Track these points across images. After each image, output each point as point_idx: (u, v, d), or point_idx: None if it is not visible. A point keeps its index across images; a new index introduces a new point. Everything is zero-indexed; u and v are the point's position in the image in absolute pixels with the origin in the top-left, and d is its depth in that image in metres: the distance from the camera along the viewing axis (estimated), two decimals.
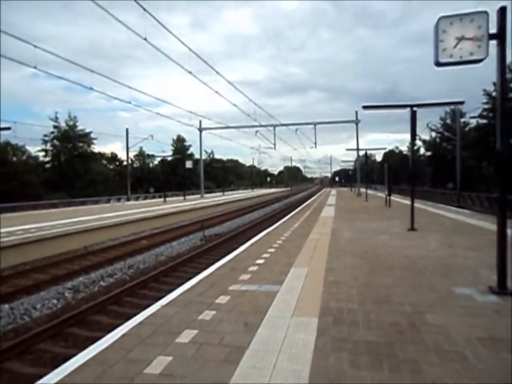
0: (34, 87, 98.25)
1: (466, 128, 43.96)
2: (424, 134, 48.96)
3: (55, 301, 7.00)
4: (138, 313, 4.04)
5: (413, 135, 9.98)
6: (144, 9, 13.13)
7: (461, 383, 2.46)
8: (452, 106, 38.38)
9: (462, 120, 41.83)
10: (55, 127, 48.84)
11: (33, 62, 14.83)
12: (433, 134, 49.42)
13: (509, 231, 4.59)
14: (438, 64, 4.47)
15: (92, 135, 51.19)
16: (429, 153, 51.66)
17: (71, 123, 50.12)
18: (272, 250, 7.30)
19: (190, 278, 5.50)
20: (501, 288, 4.32)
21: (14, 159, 47.32)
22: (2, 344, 5.14)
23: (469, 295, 4.30)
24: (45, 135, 48.14)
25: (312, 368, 2.67)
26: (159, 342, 3.16)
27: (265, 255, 6.78)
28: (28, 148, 49.83)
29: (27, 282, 8.11)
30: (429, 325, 3.44)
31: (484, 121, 38.22)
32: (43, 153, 49.76)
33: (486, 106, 36.70)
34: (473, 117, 40.64)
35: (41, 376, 2.78)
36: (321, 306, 3.98)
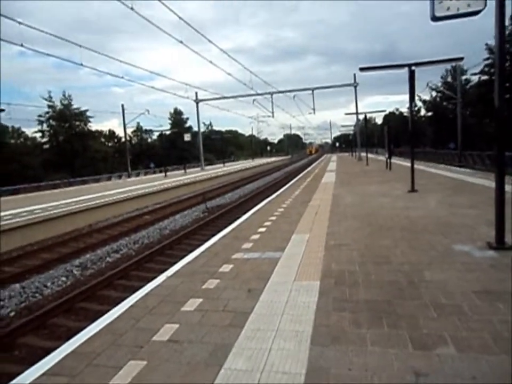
0: (22, 66, 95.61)
1: (468, 86, 43.05)
2: (425, 94, 48.00)
3: (64, 278, 7.18)
4: (145, 285, 4.15)
5: (412, 95, 9.79)
6: None
7: (456, 333, 2.56)
8: (453, 64, 37.38)
9: (463, 77, 40.92)
10: (49, 106, 48.21)
11: (19, 39, 14.44)
12: (434, 94, 48.47)
13: (507, 187, 4.61)
14: (435, 18, 4.33)
15: (88, 113, 50.60)
16: (429, 114, 50.91)
17: (65, 102, 49.42)
18: (273, 218, 7.38)
19: (193, 250, 5.60)
20: (499, 243, 4.39)
21: (12, 141, 47.07)
22: (17, 321, 5.35)
23: (467, 251, 4.38)
24: (40, 115, 47.61)
25: (314, 328, 2.78)
26: (166, 311, 3.27)
27: (267, 223, 6.86)
28: (24, 129, 49.46)
29: (36, 262, 8.29)
30: (427, 281, 3.53)
31: (486, 77, 37.36)
32: (40, 134, 49.42)
33: (488, 61, 35.76)
34: (475, 74, 39.73)
35: (56, 348, 2.90)
36: (323, 270, 4.07)
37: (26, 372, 2.53)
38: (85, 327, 3.20)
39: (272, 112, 33.97)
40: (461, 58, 10.08)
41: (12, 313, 5.83)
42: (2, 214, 11.99)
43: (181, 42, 18.41)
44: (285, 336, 2.69)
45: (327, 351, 2.46)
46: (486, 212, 6.07)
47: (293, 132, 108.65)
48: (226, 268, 4.38)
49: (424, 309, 2.97)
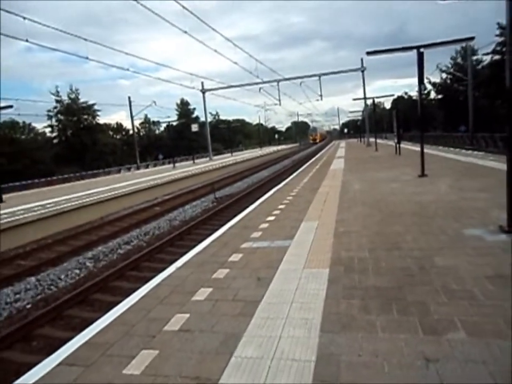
0: (29, 62, 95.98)
1: (479, 66, 41.96)
2: (434, 77, 47.00)
3: (77, 271, 7.31)
4: (156, 276, 4.20)
5: (421, 78, 9.57)
6: None
7: (467, 318, 2.54)
8: (463, 44, 36.43)
9: (474, 57, 39.90)
10: (57, 101, 48.53)
11: (24, 35, 14.46)
12: (444, 76, 47.35)
13: None
14: None
15: (96, 107, 50.79)
16: (439, 96, 49.86)
17: (73, 96, 49.66)
18: (282, 206, 7.37)
19: (203, 240, 5.64)
20: (511, 227, 4.32)
21: (22, 137, 47.61)
22: (34, 313, 5.48)
23: (479, 235, 4.33)
24: (49, 110, 47.97)
25: (323, 315, 2.79)
26: (176, 301, 3.31)
27: (275, 212, 6.86)
28: (34, 124, 49.96)
29: (50, 255, 8.44)
30: (438, 267, 3.51)
31: (498, 56, 36.35)
32: (49, 129, 49.89)
33: (500, 39, 34.73)
34: (486, 54, 38.69)
35: (71, 338, 2.96)
36: (332, 257, 4.07)
37: (43, 362, 2.60)
38: (98, 318, 3.26)
39: (279, 100, 33.68)
40: (472, 38, 9.80)
41: (29, 306, 5.97)
42: (16, 208, 12.21)
43: (185, 32, 18.25)
44: (295, 324, 2.70)
45: (337, 338, 2.47)
46: (497, 195, 5.95)
47: (301, 119, 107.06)
48: (235, 257, 4.41)
49: (434, 294, 2.95)
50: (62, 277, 7.05)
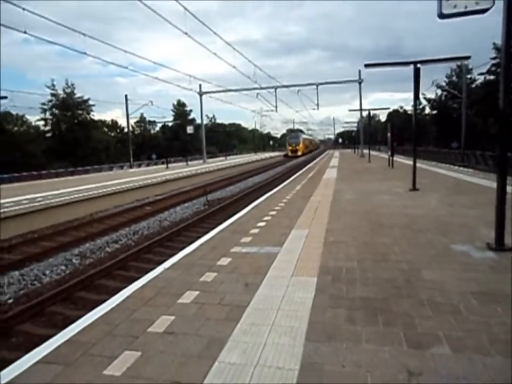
0: (26, 53, 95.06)
1: (473, 85, 42.70)
2: (430, 93, 47.71)
3: (63, 267, 7.20)
4: (142, 276, 4.15)
5: (416, 93, 9.71)
6: None
7: (452, 333, 2.56)
8: (458, 62, 37.08)
9: (469, 76, 40.61)
10: (52, 95, 47.99)
11: (22, 26, 14.31)
12: (439, 92, 48.07)
13: (508, 188, 4.59)
14: (442, 16, 4.28)
15: (91, 102, 50.36)
16: (434, 112, 50.57)
17: (68, 90, 49.22)
18: (273, 213, 7.37)
19: (193, 242, 5.60)
20: (498, 245, 4.37)
21: (15, 128, 47.03)
22: (15, 308, 5.38)
23: (466, 251, 4.37)
24: (43, 104, 47.42)
25: (309, 324, 2.78)
26: (162, 303, 3.28)
27: (266, 218, 6.85)
28: (28, 117, 49.37)
29: (35, 249, 8.30)
30: (424, 280, 3.53)
31: (492, 77, 37.05)
32: (43, 122, 49.30)
33: (495, 61, 35.42)
34: (481, 73, 39.42)
35: (52, 336, 2.91)
36: (321, 266, 4.07)
37: (20, 360, 2.54)
38: (81, 316, 3.21)
39: (276, 107, 33.84)
40: (468, 57, 10.00)
41: (10, 300, 5.86)
42: (3, 201, 12.02)
43: (186, 33, 18.26)
44: (280, 331, 2.69)
45: (321, 347, 2.46)
46: (486, 212, 6.03)
47: (296, 127, 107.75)
48: (224, 261, 4.38)
49: (420, 307, 2.97)
50: (47, 272, 6.93)
